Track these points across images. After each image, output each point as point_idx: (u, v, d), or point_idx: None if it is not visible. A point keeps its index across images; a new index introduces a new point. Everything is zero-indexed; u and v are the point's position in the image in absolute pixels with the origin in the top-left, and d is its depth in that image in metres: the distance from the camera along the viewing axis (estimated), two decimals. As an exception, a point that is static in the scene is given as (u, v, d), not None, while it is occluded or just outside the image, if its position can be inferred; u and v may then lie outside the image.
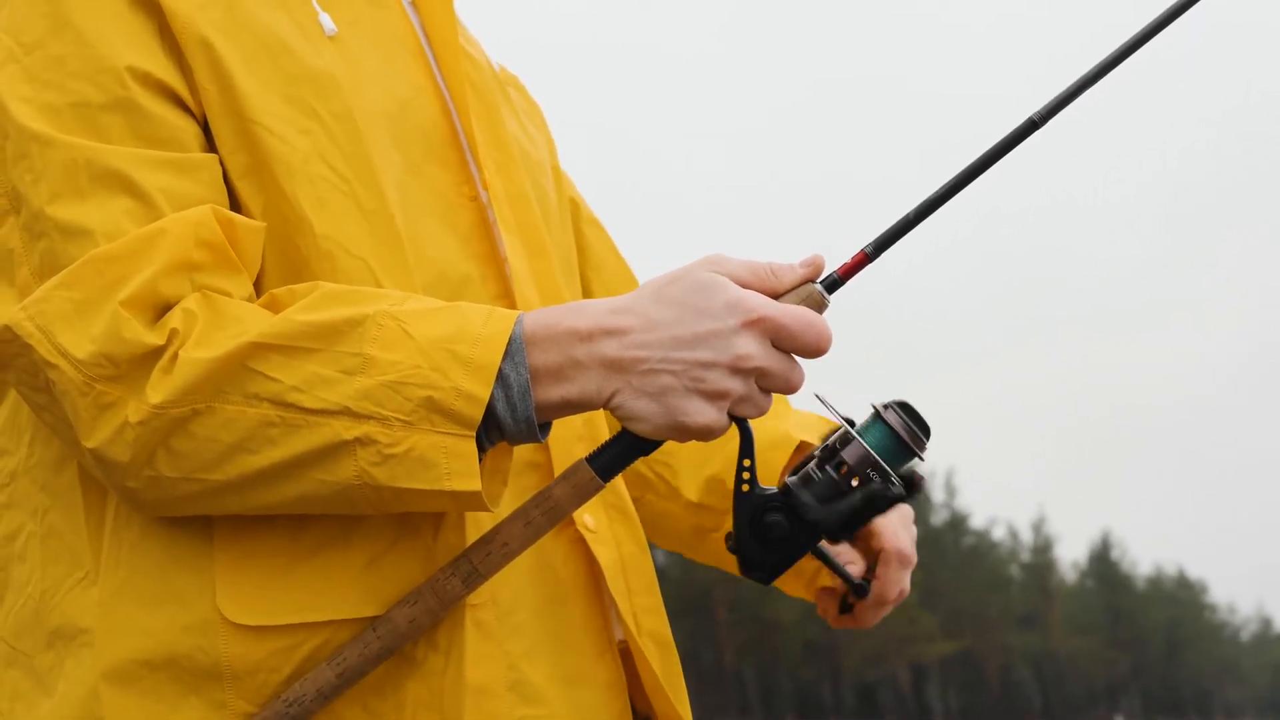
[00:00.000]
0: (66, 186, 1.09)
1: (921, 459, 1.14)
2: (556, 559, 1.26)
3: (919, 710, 78.33)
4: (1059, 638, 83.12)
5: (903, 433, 1.13)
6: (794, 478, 1.17)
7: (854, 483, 1.14)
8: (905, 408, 1.15)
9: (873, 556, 1.45)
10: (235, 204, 1.17)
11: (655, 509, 1.57)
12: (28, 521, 1.19)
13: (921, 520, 70.34)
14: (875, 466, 1.13)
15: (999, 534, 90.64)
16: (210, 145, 1.17)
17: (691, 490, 1.53)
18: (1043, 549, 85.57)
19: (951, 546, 73.15)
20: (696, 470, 1.54)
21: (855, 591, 1.42)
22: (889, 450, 1.14)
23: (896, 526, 1.43)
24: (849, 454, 1.14)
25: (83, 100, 1.12)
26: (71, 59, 1.13)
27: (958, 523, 74.92)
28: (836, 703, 63.62)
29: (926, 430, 1.14)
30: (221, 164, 1.16)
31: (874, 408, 1.16)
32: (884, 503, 1.14)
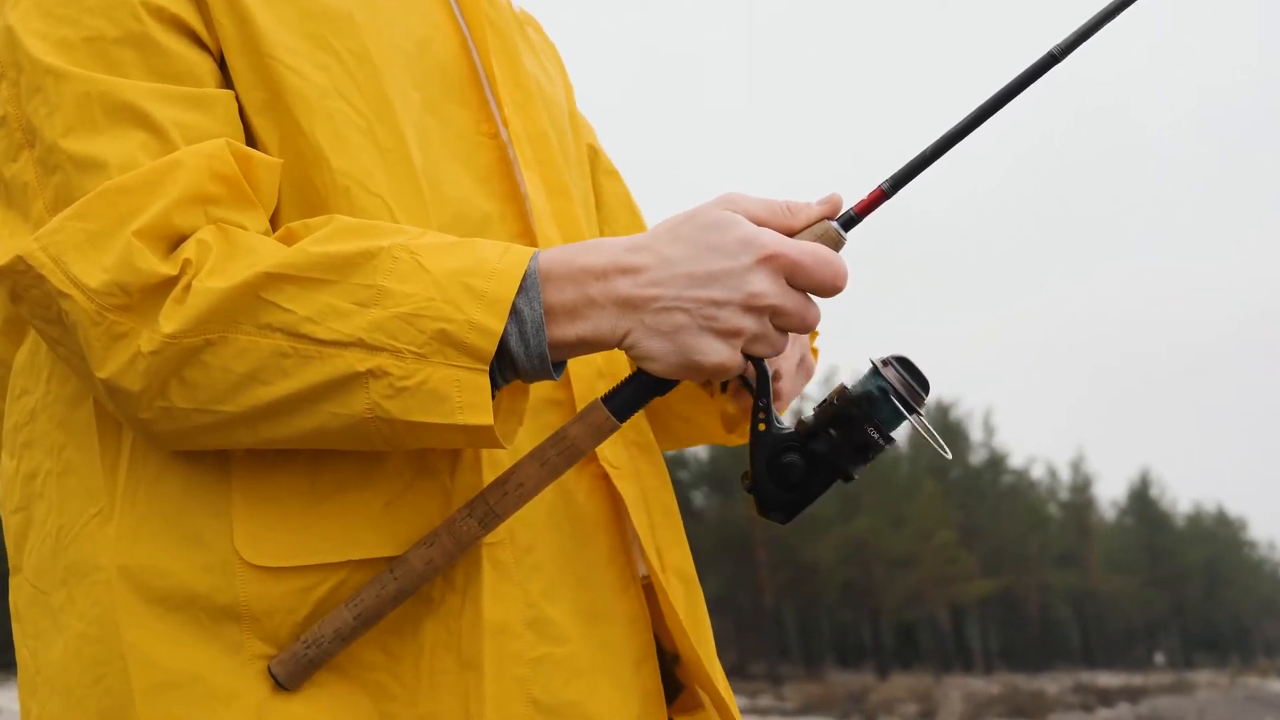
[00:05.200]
0: (81, 120, 1.08)
1: (920, 413, 1.14)
2: (579, 495, 1.24)
3: (959, 650, 78.49)
4: (1098, 576, 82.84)
5: (900, 388, 1.13)
6: (810, 417, 1.15)
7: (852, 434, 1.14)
8: (904, 362, 1.15)
9: None
10: (252, 140, 1.16)
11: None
12: (45, 459, 1.18)
13: (959, 460, 70.26)
14: (872, 420, 1.13)
15: (1038, 472, 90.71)
16: (226, 82, 1.15)
17: None
18: (1082, 487, 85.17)
19: (990, 485, 72.84)
20: None
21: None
22: (887, 404, 1.14)
23: None
24: (847, 405, 1.15)
25: (97, 35, 1.10)
26: None
27: (996, 462, 74.47)
28: (876, 643, 63.80)
29: (925, 385, 1.14)
30: (238, 101, 1.15)
31: (872, 363, 1.16)
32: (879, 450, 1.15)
